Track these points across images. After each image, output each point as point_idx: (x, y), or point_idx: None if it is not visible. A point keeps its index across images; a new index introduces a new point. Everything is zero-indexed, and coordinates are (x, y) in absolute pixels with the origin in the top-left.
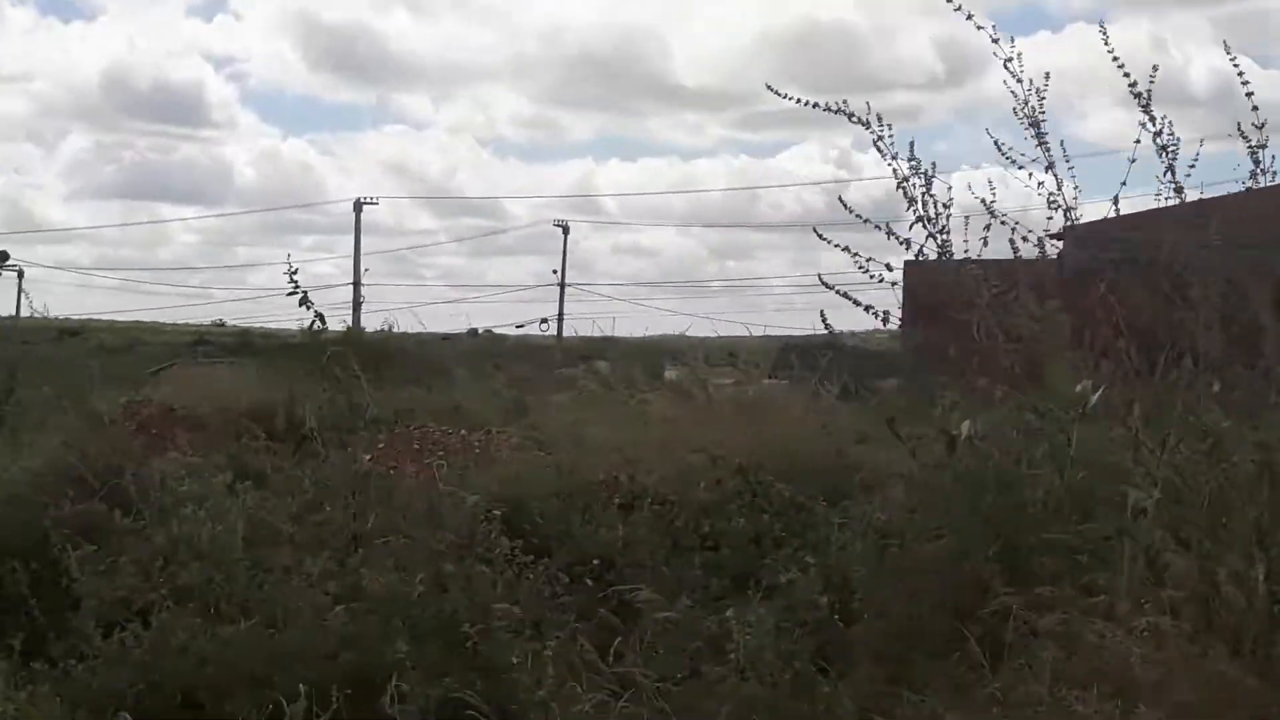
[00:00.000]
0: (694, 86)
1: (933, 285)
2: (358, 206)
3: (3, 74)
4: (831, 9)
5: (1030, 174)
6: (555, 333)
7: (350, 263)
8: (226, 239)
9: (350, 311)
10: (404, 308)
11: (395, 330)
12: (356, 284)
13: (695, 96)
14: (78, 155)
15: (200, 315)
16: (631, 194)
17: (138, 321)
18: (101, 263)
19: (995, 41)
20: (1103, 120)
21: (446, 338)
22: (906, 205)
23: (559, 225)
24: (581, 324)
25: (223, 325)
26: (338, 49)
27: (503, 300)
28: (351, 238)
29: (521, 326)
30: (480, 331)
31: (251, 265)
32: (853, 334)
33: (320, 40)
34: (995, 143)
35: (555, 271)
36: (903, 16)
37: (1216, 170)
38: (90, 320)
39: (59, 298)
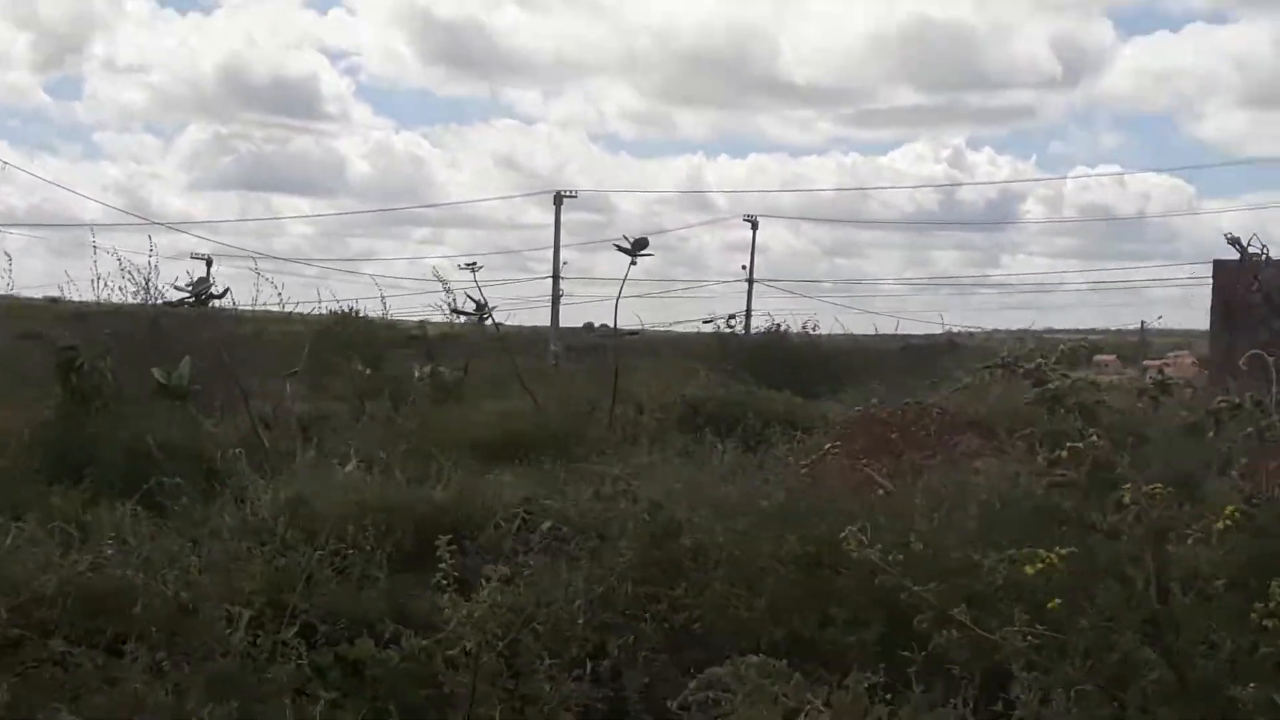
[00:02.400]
0: (805, 83)
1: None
2: (558, 200)
3: (122, 65)
4: (945, 6)
5: None
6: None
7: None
8: (343, 229)
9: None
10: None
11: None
12: (556, 277)
13: (806, 93)
14: (195, 146)
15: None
16: (741, 191)
17: (266, 310)
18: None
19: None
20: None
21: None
22: None
23: (748, 220)
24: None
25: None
26: (450, 43)
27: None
28: (463, 232)
29: (709, 322)
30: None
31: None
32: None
33: (433, 34)
34: None
35: (744, 267)
36: (1018, 14)
37: None
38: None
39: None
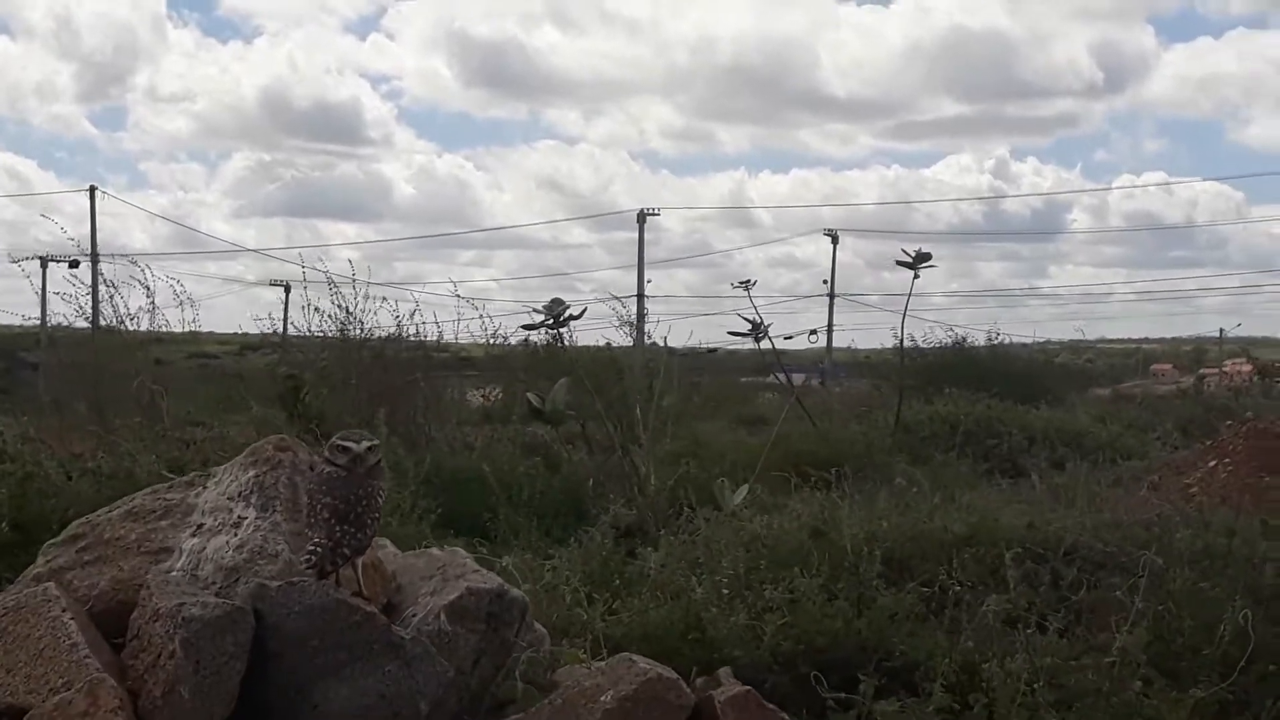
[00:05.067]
0: (845, 97)
1: None
2: (641, 218)
3: (166, 94)
4: (983, 17)
5: None
6: (825, 344)
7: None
8: (388, 253)
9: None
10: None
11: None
12: (640, 295)
13: (846, 107)
14: (240, 173)
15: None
16: (784, 206)
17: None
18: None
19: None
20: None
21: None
22: None
23: (828, 235)
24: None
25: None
26: (489, 65)
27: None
28: (508, 253)
29: (790, 338)
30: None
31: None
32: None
33: (472, 57)
34: None
35: (825, 282)
36: (1056, 22)
37: None
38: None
39: (226, 314)
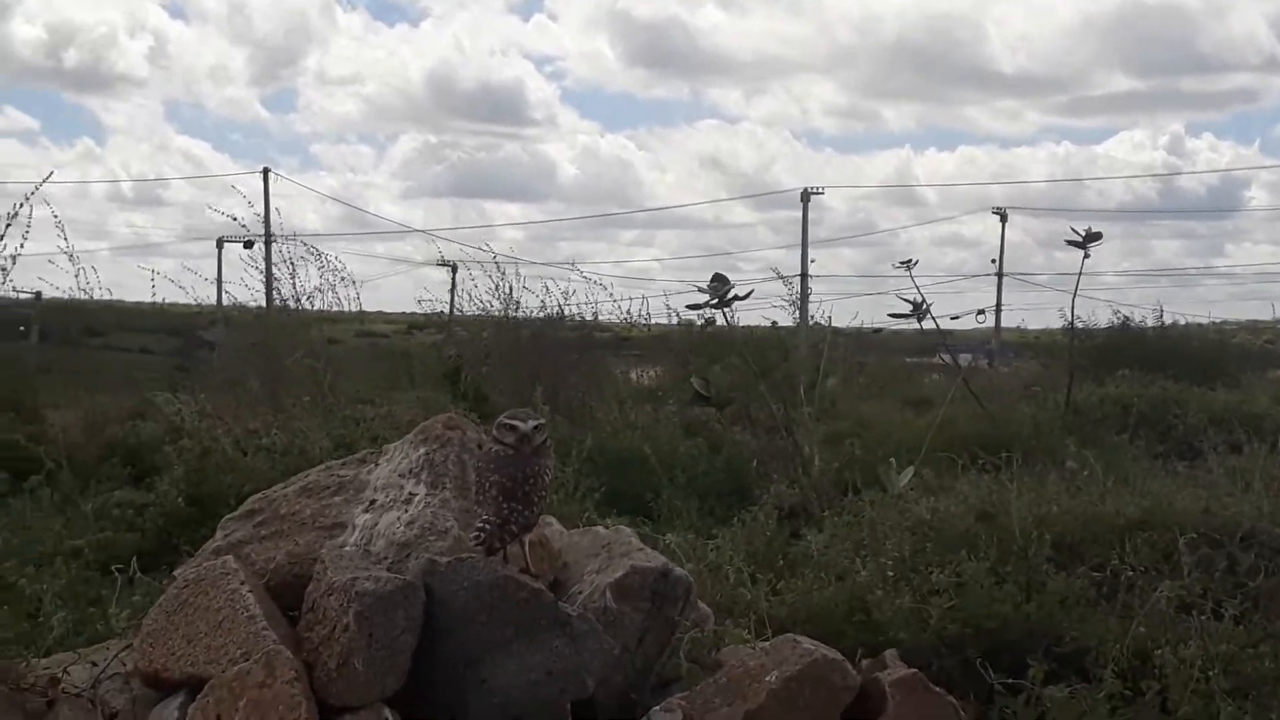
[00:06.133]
0: (1013, 72)
1: None
2: (805, 196)
3: (335, 77)
4: None
5: None
6: (993, 324)
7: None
8: (551, 233)
9: (799, 304)
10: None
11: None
12: (804, 275)
13: (1014, 83)
14: (407, 155)
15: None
16: (950, 184)
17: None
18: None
19: None
20: None
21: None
22: None
23: (997, 213)
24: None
25: None
26: (651, 45)
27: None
28: (670, 232)
29: (957, 318)
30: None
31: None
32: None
33: (634, 36)
34: None
35: (993, 261)
36: None
37: None
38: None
39: (395, 294)
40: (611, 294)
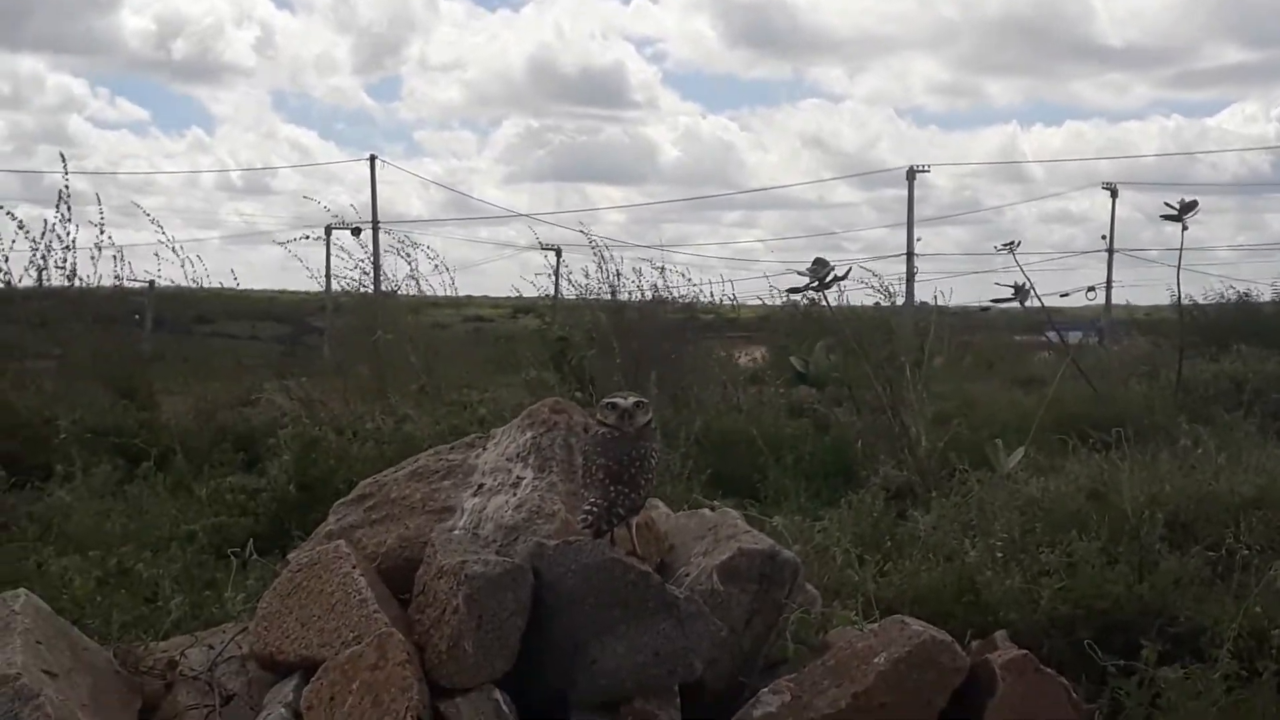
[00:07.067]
0: (1120, 46)
1: None
2: (910, 175)
3: (438, 64)
4: None
5: None
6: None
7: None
8: (654, 215)
9: (904, 283)
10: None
11: None
12: (910, 254)
13: (1122, 56)
14: (510, 140)
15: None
16: (1057, 160)
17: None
18: (535, 242)
19: None
20: None
21: None
22: None
23: (1107, 188)
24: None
25: None
26: (752, 24)
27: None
28: (773, 213)
29: (1066, 295)
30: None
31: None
32: None
33: (735, 17)
34: None
35: (1104, 237)
36: None
37: None
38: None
39: (500, 278)
40: (707, 278)
